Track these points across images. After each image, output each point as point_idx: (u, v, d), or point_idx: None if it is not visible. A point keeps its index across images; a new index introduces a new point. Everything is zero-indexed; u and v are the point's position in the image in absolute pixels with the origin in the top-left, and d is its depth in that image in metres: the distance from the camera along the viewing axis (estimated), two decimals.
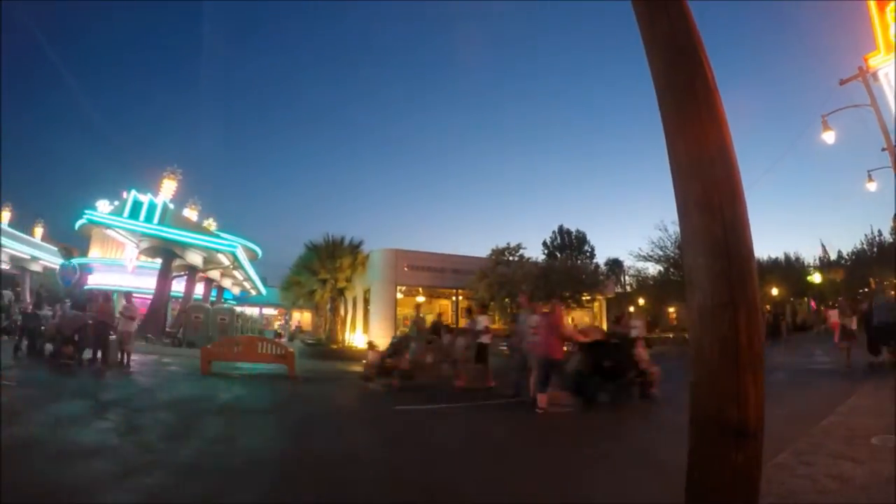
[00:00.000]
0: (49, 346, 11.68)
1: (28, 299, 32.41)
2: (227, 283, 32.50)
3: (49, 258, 32.11)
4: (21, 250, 32.32)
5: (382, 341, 17.56)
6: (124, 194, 24.65)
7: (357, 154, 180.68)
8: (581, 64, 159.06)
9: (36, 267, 33.11)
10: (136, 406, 7.12)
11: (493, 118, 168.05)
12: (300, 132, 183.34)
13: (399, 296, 19.91)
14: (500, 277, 17.11)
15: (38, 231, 35.59)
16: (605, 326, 24.52)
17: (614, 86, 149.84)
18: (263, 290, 36.60)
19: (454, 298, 20.68)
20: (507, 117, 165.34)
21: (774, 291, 34.97)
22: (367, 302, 20.41)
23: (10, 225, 33.25)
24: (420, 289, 20.98)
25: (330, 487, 4.02)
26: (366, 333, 20.11)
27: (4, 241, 31.15)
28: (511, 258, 18.43)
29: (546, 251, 40.56)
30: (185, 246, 23.23)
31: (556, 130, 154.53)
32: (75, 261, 24.18)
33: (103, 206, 26.95)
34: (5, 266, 32.56)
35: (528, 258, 19.02)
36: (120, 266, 27.53)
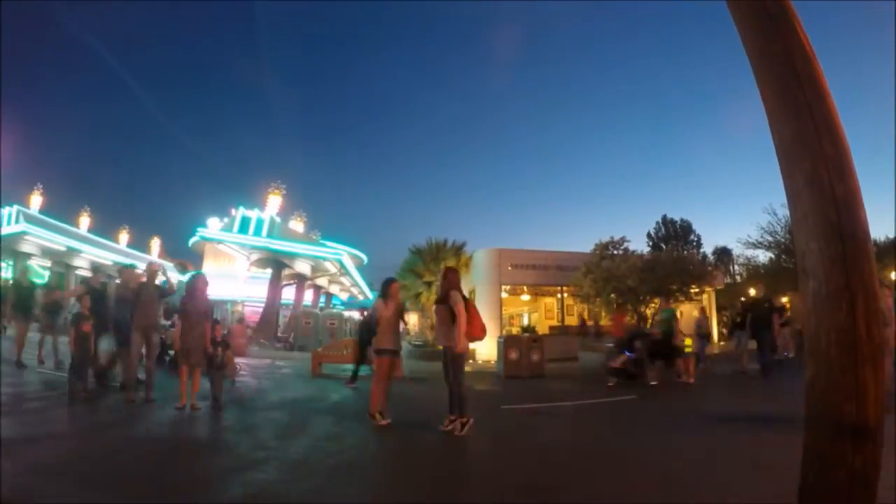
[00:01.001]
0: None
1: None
2: (334, 289, 35.11)
3: (168, 273, 35.83)
4: (139, 268, 36.40)
5: (489, 341, 18.51)
6: (233, 211, 27.24)
7: (457, 155, 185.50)
8: (675, 45, 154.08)
9: (159, 282, 37.07)
10: (250, 406, 7.66)
11: (590, 111, 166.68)
12: (399, 138, 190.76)
13: (504, 295, 20.67)
14: (605, 272, 17.11)
15: (155, 249, 39.78)
16: (714, 319, 24.11)
17: (707, 64, 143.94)
18: (370, 295, 38.41)
19: (559, 296, 21.24)
20: (604, 108, 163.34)
21: (894, 275, 32.72)
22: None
23: (128, 245, 37.63)
24: (524, 287, 21.60)
25: (434, 485, 4.23)
26: None
27: (126, 260, 35.33)
28: (615, 252, 18.45)
29: (650, 243, 40.33)
30: (293, 256, 25.50)
31: (655, 117, 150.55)
32: (190, 275, 27.01)
33: (214, 224, 29.92)
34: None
35: (633, 251, 18.95)
36: (233, 278, 30.42)
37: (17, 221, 30.03)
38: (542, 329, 20.30)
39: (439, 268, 21.21)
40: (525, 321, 24.32)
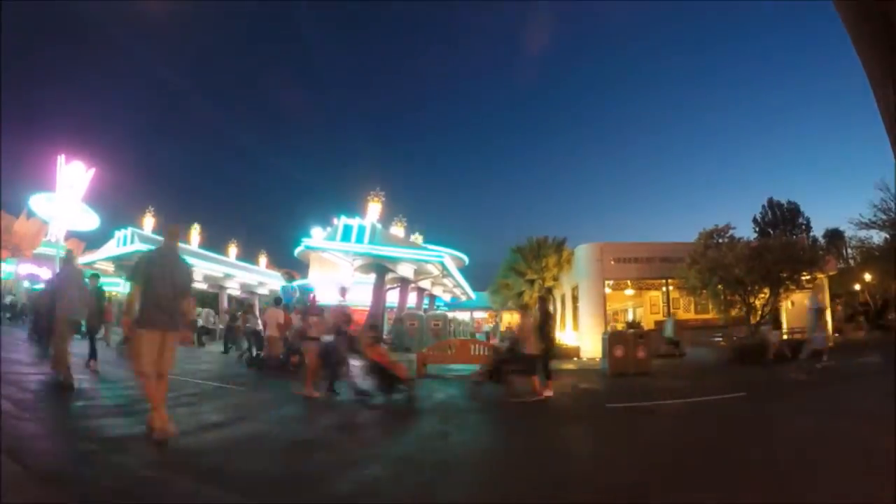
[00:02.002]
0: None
1: (258, 318, 40.42)
2: (437, 290, 37.32)
3: (274, 282, 39.45)
4: (248, 278, 40.40)
5: (593, 338, 19.06)
6: (335, 221, 29.74)
7: (555, 149, 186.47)
8: (771, 18, 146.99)
9: (262, 290, 40.89)
10: (357, 405, 8.16)
11: (688, 95, 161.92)
12: (495, 134, 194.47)
13: (607, 290, 21.34)
14: (711, 262, 17.06)
15: (262, 260, 43.72)
16: (828, 309, 23.31)
17: (807, 34, 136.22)
18: (473, 295, 40.69)
19: (664, 289, 21.63)
20: (701, 90, 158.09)
21: None
22: (575, 299, 22.23)
23: (237, 258, 41.70)
24: (628, 281, 22.16)
25: (536, 483, 4.34)
26: (576, 331, 22.06)
27: (235, 272, 39.34)
28: (720, 240, 18.37)
29: (757, 228, 39.65)
30: (396, 260, 27.60)
31: (754, 95, 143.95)
32: (297, 283, 29.78)
33: (317, 233, 32.81)
34: (237, 292, 40.83)
35: (740, 238, 18.80)
36: (338, 284, 33.12)
37: (132, 242, 34.38)
38: (648, 324, 20.90)
39: (541, 265, 22.52)
40: (630, 316, 24.96)
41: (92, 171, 40.18)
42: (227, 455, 4.77)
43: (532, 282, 22.61)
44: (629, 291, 23.50)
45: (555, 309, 23.99)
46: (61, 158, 38.29)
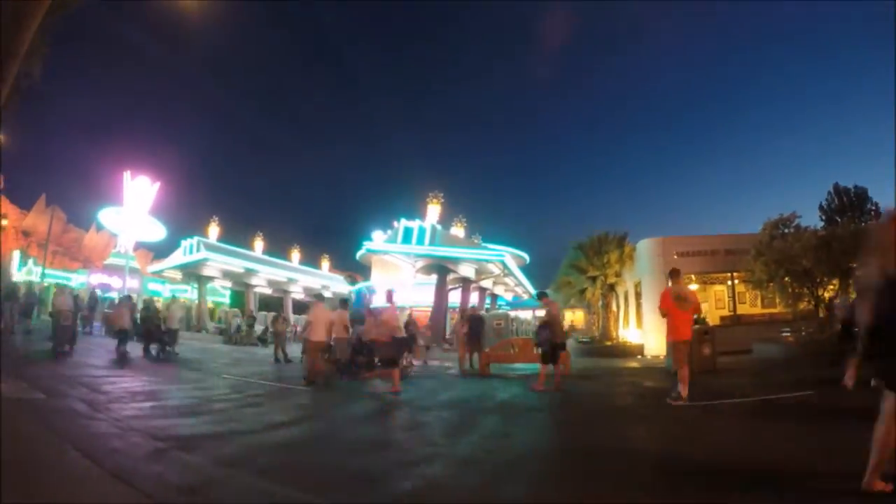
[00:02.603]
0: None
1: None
2: (499, 290, 38.50)
3: (337, 285, 41.47)
4: (311, 282, 42.56)
5: (656, 336, 18.94)
6: (395, 224, 31.18)
7: (613, 144, 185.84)
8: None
9: (327, 294, 43.03)
10: (420, 405, 8.45)
11: (746, 79, 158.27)
12: (553, 132, 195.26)
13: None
14: (778, 254, 16.70)
15: (325, 264, 45.89)
16: None
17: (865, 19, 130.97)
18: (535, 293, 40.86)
19: (729, 283, 21.60)
20: (761, 73, 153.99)
21: None
22: (638, 296, 22.50)
23: (300, 262, 43.95)
24: (692, 276, 21.59)
25: (597, 481, 4.38)
26: (639, 328, 22.35)
27: (298, 276, 41.50)
28: (786, 230, 17.94)
29: (823, 216, 38.92)
30: (457, 261, 28.80)
31: (813, 74, 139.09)
32: (361, 285, 31.33)
33: (378, 237, 34.45)
34: (301, 296, 43.05)
35: (806, 227, 18.25)
36: (400, 285, 34.63)
37: (198, 250, 36.84)
38: (713, 320, 20.44)
39: (603, 262, 22.86)
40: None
41: (157, 185, 42.92)
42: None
43: (594, 279, 22.88)
44: (693, 286, 22.93)
45: (618, 306, 24.44)
46: (127, 174, 40.93)
